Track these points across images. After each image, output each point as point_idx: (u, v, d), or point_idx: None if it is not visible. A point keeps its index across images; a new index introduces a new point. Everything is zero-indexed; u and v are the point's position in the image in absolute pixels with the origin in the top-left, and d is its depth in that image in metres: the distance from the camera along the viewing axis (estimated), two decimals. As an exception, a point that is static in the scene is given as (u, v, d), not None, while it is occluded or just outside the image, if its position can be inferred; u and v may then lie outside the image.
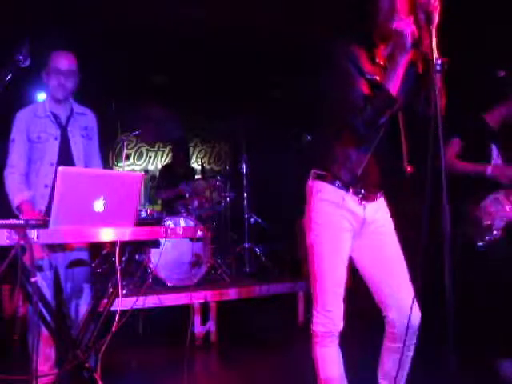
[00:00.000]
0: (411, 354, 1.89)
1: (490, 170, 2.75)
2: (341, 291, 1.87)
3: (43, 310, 2.09)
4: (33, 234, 1.65)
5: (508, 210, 2.75)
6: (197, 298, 3.70)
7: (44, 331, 2.24)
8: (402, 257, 1.91)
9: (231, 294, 3.94)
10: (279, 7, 4.54)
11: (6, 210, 2.42)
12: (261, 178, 5.80)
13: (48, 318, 2.13)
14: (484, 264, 2.72)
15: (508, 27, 3.57)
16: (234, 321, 4.21)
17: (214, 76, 5.90)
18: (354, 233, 1.90)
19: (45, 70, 2.57)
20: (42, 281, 2.37)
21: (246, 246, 4.89)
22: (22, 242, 1.62)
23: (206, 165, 7.28)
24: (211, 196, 4.87)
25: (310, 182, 1.95)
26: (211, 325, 3.74)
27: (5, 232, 1.61)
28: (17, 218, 2.23)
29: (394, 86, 1.69)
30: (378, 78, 1.77)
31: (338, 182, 1.86)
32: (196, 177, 5.63)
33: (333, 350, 1.90)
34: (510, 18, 3.59)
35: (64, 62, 2.55)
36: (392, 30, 1.65)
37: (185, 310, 3.56)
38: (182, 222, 4.03)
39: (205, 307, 3.77)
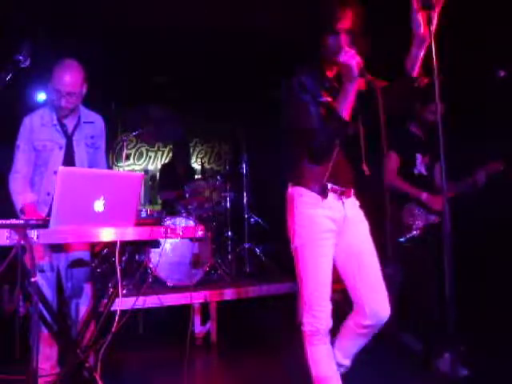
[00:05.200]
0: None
1: (424, 196, 3.01)
2: (327, 291, 1.93)
3: (43, 309, 2.09)
4: (33, 234, 1.66)
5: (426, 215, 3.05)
6: (197, 298, 3.70)
7: (44, 331, 2.24)
8: (376, 255, 2.00)
9: (231, 293, 3.93)
10: (279, 7, 4.54)
11: (7, 210, 2.42)
12: (261, 178, 5.79)
13: (48, 318, 2.14)
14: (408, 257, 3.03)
15: (508, 27, 3.57)
16: (233, 321, 4.21)
17: (213, 76, 5.90)
18: (337, 232, 1.97)
19: (50, 82, 2.48)
20: (43, 281, 2.37)
21: (246, 246, 4.88)
22: (22, 241, 1.62)
23: (206, 165, 7.27)
24: (211, 196, 4.85)
25: (289, 190, 2.06)
26: (211, 325, 3.74)
27: (5, 232, 1.61)
28: (17, 218, 2.23)
29: (346, 111, 1.85)
30: (329, 99, 1.93)
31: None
32: (196, 177, 5.63)
33: (323, 349, 1.96)
34: (510, 17, 3.59)
35: (66, 83, 2.44)
36: (339, 63, 1.82)
37: (185, 310, 3.55)
38: (182, 222, 4.03)
39: (205, 307, 3.76)
